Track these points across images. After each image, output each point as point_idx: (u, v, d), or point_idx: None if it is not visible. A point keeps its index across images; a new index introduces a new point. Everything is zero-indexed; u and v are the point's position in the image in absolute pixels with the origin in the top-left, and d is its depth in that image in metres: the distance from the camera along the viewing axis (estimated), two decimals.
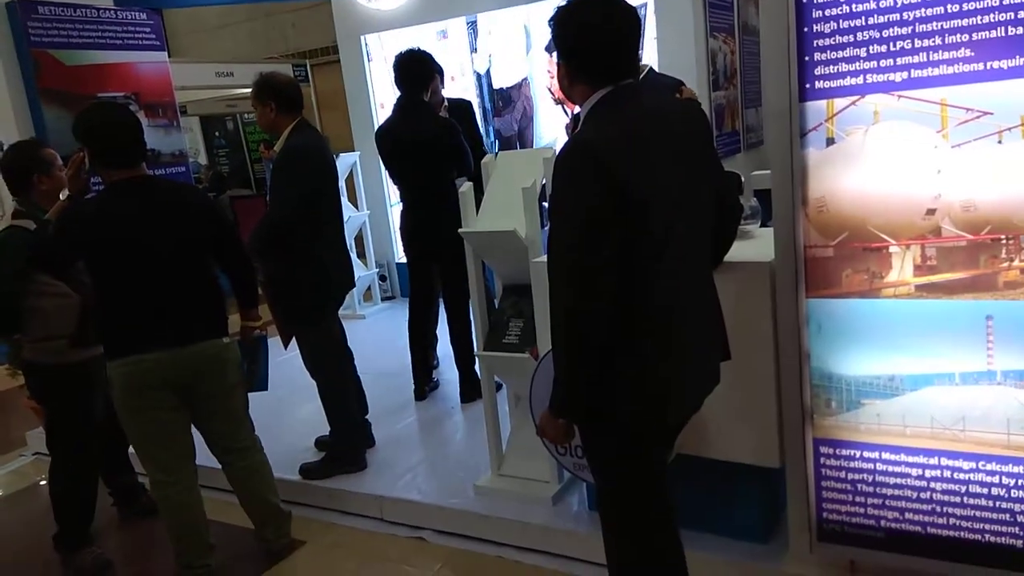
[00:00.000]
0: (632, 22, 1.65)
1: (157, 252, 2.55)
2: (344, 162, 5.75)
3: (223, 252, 2.78)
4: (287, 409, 4.23)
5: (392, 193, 6.13)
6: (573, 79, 1.68)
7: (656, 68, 4.14)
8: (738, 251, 2.11)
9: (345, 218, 3.73)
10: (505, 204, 2.85)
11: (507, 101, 5.88)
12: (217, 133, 11.84)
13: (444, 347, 4.23)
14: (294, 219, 3.05)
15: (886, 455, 2.08)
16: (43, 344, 2.87)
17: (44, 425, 3.05)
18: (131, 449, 3.37)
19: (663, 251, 1.63)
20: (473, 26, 5.73)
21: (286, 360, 4.42)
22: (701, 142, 1.77)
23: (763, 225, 2.60)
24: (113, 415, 3.18)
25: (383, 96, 6.13)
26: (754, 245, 2.40)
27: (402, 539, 2.98)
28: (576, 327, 1.59)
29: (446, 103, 4.28)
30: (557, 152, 2.86)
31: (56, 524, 3.05)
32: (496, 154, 3.11)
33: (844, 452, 2.15)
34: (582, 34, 1.64)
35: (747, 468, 2.37)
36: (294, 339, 3.29)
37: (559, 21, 1.67)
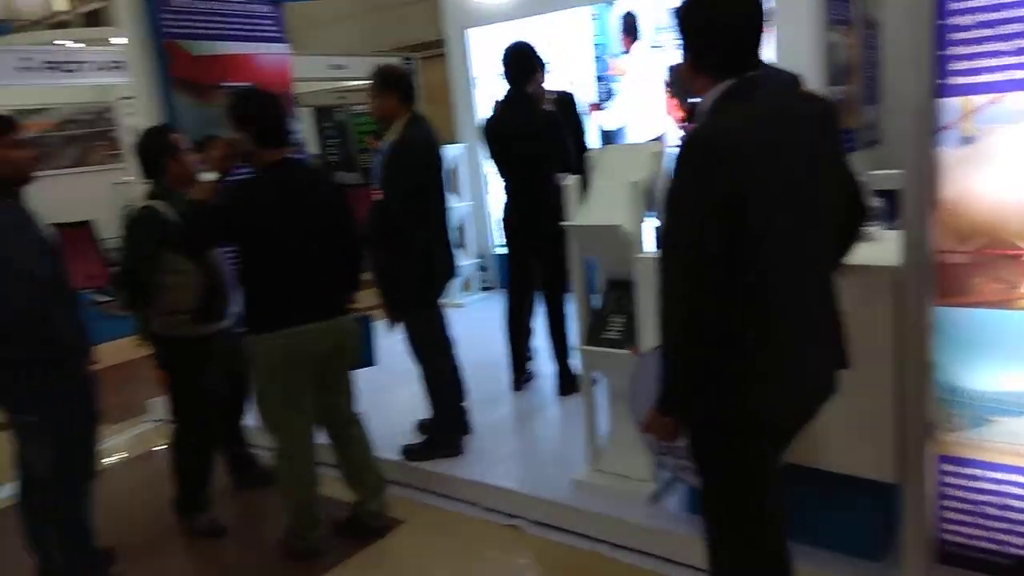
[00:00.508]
0: (758, 12, 1.61)
1: (309, 230, 2.72)
2: (447, 154, 5.85)
3: (343, 235, 2.90)
4: (389, 391, 4.35)
5: (493, 185, 6.20)
6: (696, 70, 1.65)
7: (772, 62, 4.00)
8: (860, 254, 2.00)
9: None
10: (610, 198, 2.83)
11: (609, 95, 5.83)
12: (327, 124, 12.28)
13: (540, 339, 4.24)
14: (405, 210, 3.13)
15: (1016, 477, 1.95)
16: (168, 318, 3.06)
17: (168, 395, 3.25)
18: (248, 421, 3.58)
19: (781, 249, 1.58)
20: (592, 16, 5.72)
21: (390, 344, 4.56)
22: (829, 137, 1.70)
23: (886, 227, 2.47)
24: (233, 387, 3.39)
25: (487, 89, 6.19)
26: (876, 248, 2.28)
27: (497, 526, 3.02)
28: (687, 324, 1.56)
29: (551, 96, 4.28)
30: (666, 146, 2.86)
31: (176, 488, 3.26)
32: (603, 147, 3.08)
33: (968, 471, 2.03)
34: (709, 24, 1.61)
35: (860, 481, 2.27)
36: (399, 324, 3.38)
37: (685, 10, 1.64)
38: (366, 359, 3.19)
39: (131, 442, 4.40)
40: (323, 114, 12.28)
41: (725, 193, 1.50)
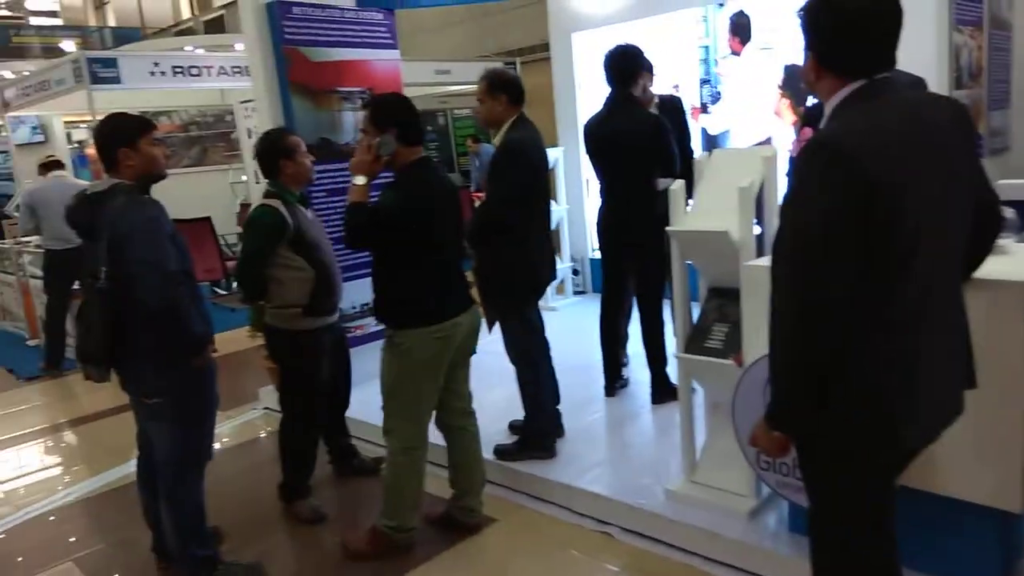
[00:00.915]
0: (896, 8, 1.52)
1: (454, 224, 2.87)
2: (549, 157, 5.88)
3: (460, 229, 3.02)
4: (483, 390, 4.38)
5: (590, 188, 6.18)
6: (822, 71, 1.59)
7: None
8: (990, 267, 1.89)
9: None
10: (718, 204, 2.77)
11: (715, 98, 5.71)
12: (429, 127, 12.59)
13: (634, 345, 4.19)
14: (509, 211, 3.18)
15: None
16: (280, 311, 3.21)
17: (277, 384, 3.41)
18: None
19: (911, 261, 1.50)
20: (700, 19, 5.62)
21: (484, 344, 4.62)
22: (964, 143, 1.60)
23: (1017, 240, 2.32)
24: (339, 379, 3.52)
25: (590, 93, 6.18)
26: (1008, 261, 2.14)
27: (588, 531, 3.01)
28: (802, 336, 1.51)
29: (656, 100, 4.23)
30: (775, 151, 2.77)
31: (282, 474, 3.41)
32: (711, 151, 3.02)
33: None
34: (840, 22, 1.54)
35: (981, 509, 2.13)
36: (497, 324, 3.42)
37: (813, 7, 1.58)
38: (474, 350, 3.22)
39: (239, 429, 4.64)
40: (425, 118, 12.61)
41: (850, 199, 1.44)
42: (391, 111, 2.76)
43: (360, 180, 2.74)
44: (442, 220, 2.77)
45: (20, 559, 3.31)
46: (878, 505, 1.66)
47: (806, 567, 1.79)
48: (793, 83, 5.22)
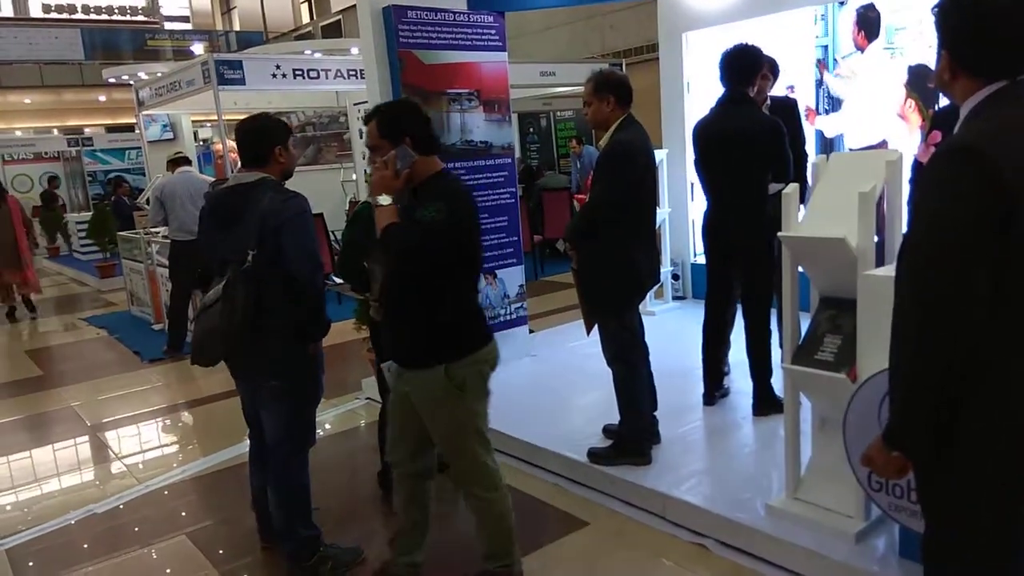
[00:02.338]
0: None
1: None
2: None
3: None
4: (578, 393, 4.40)
5: (694, 192, 6.04)
6: (958, 71, 1.49)
7: None
8: None
9: None
10: (834, 209, 2.64)
11: (830, 100, 5.47)
12: (531, 129, 12.68)
13: (736, 353, 4.07)
14: (614, 209, 3.15)
15: None
16: (377, 305, 3.30)
17: (378, 375, 3.50)
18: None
19: None
20: (817, 17, 5.41)
21: (582, 346, 4.60)
22: None
23: None
24: None
25: (697, 94, 6.05)
26: None
27: (683, 542, 2.94)
28: (928, 350, 1.41)
29: (769, 102, 4.09)
30: (900, 154, 2.62)
31: (380, 462, 3.51)
32: (830, 154, 2.89)
33: None
34: (981, 21, 1.44)
35: None
36: (596, 327, 3.39)
37: (949, 4, 1.48)
38: None
39: (342, 417, 4.81)
40: (528, 119, 12.71)
41: (988, 208, 1.34)
42: (401, 120, 2.45)
43: (385, 200, 2.38)
44: (477, 236, 2.52)
45: (137, 529, 3.54)
46: (1002, 533, 1.53)
47: None
48: (920, 83, 4.93)
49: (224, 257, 2.69)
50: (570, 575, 2.84)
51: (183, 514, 3.67)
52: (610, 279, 3.25)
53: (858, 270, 2.47)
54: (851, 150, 5.28)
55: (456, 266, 2.42)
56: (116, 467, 4.40)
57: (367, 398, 4.96)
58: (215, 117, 7.19)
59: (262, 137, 2.75)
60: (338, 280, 3.98)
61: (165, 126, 12.56)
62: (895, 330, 1.50)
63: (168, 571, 3.17)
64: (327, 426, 4.66)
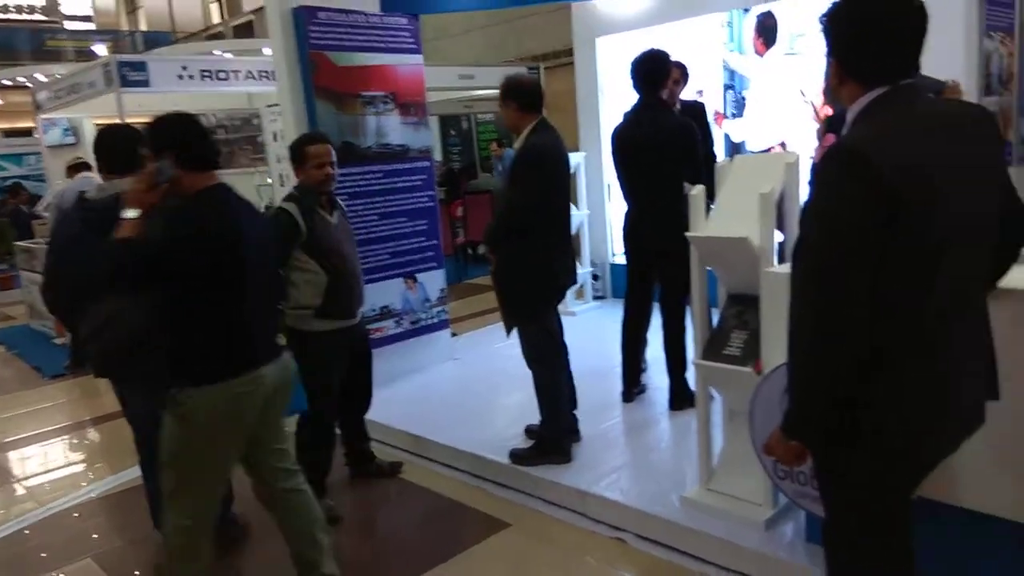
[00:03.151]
0: (921, 14, 1.50)
1: (255, 260, 2.38)
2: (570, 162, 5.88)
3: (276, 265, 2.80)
4: (501, 395, 4.42)
5: (611, 194, 6.16)
6: (844, 77, 1.57)
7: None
8: (1016, 277, 1.85)
9: None
10: (738, 210, 2.74)
11: (738, 104, 5.68)
12: (452, 131, 12.65)
13: (652, 351, 4.17)
14: (528, 213, 3.18)
15: None
16: (294, 312, 3.24)
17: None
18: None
19: (934, 270, 1.47)
20: (723, 24, 5.60)
21: (503, 348, 4.63)
22: (989, 150, 1.57)
23: None
24: (360, 382, 3.52)
25: (612, 98, 6.17)
26: None
27: (603, 538, 2.99)
28: (820, 346, 1.48)
29: (679, 105, 4.21)
30: (797, 156, 2.74)
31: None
32: (733, 157, 3.00)
33: None
34: (863, 28, 1.52)
35: (1003, 523, 2.08)
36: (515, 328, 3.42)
37: (837, 12, 1.56)
38: (296, 402, 2.81)
39: None
40: (448, 122, 12.68)
41: (872, 209, 1.41)
42: (167, 132, 2.32)
43: (131, 213, 2.20)
44: (235, 255, 2.30)
45: (43, 555, 3.36)
46: (895, 517, 1.63)
47: None
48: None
49: None
50: None
51: (93, 536, 3.50)
52: (526, 282, 3.28)
53: (760, 268, 2.57)
54: (752, 152, 5.49)
55: (196, 289, 2.26)
56: (17, 490, 4.15)
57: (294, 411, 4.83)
58: (119, 120, 6.89)
59: (135, 144, 2.67)
60: None
61: (67, 130, 11.91)
62: (791, 327, 1.57)
63: None
64: None
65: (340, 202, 3.46)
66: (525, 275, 3.27)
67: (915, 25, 1.50)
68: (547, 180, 3.20)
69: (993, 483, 2.06)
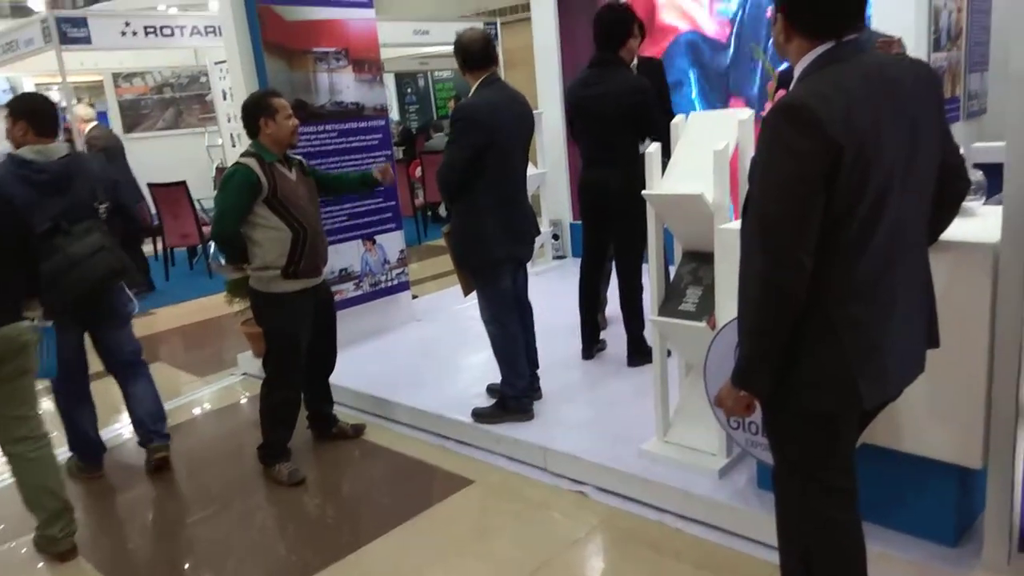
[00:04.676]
0: None
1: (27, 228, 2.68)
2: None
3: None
4: (462, 355, 4.44)
5: (572, 152, 6.15)
6: (792, 33, 1.59)
7: (870, 25, 3.80)
8: (957, 229, 1.92)
9: None
10: (693, 167, 2.77)
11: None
12: (409, 90, 12.42)
13: (612, 308, 4.23)
14: (458, 176, 3.15)
15: None
16: (259, 273, 3.20)
17: (256, 350, 3.40)
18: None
19: (875, 223, 1.52)
20: None
21: (463, 308, 4.64)
22: (931, 106, 1.61)
23: (986, 202, 2.34)
24: (324, 344, 3.51)
25: (572, 54, 6.12)
26: (975, 223, 2.17)
27: (564, 491, 3.06)
28: (769, 297, 1.53)
29: (635, 62, 4.19)
30: (751, 113, 2.76)
31: (261, 437, 3.43)
32: (688, 114, 3.01)
33: None
34: None
35: (941, 465, 2.19)
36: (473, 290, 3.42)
37: None
38: (48, 369, 2.89)
39: (219, 394, 4.63)
40: (405, 80, 12.44)
41: (815, 162, 1.45)
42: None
43: None
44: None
45: None
46: (837, 460, 1.70)
47: (773, 522, 1.85)
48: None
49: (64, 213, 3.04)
50: (458, 532, 2.89)
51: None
52: (476, 243, 3.27)
53: (714, 224, 2.60)
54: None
55: None
56: None
57: (244, 373, 4.80)
58: (60, 79, 6.61)
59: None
60: (216, 262, 3.85)
61: (6, 90, 11.44)
62: (741, 278, 1.61)
63: None
64: (206, 404, 4.49)
65: (301, 159, 3.41)
66: (473, 236, 3.26)
67: None
68: (479, 140, 3.12)
69: (934, 428, 2.15)
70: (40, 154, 3.04)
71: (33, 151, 3.04)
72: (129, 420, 3.69)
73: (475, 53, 3.20)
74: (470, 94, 3.22)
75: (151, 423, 3.57)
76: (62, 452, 3.48)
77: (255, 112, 3.19)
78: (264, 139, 3.19)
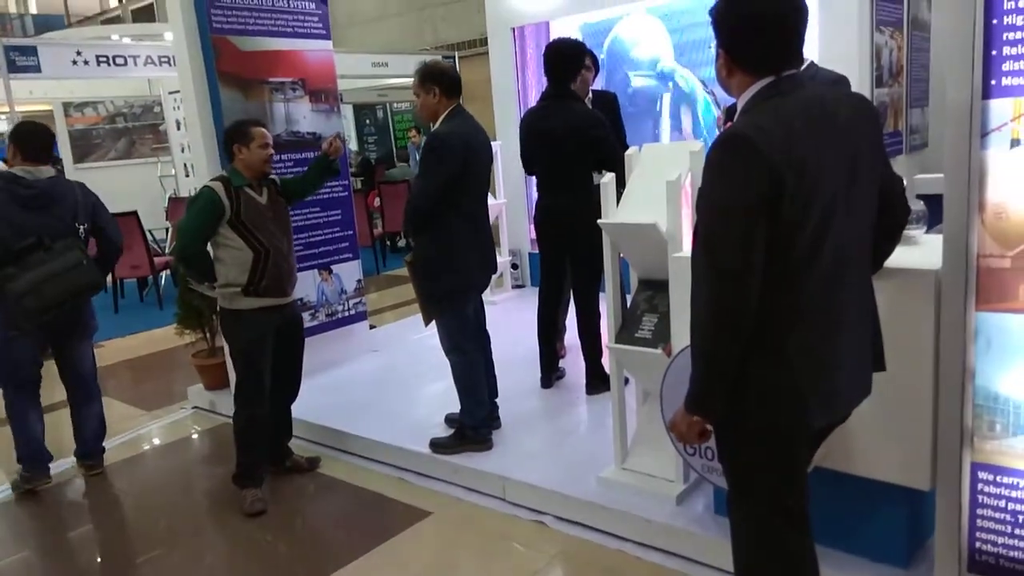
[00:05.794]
0: (798, 8, 1.60)
1: None
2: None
3: None
4: (421, 385, 4.40)
5: (530, 183, 6.20)
6: (733, 68, 1.64)
7: (816, 62, 3.94)
8: (900, 257, 1.98)
9: None
10: (647, 197, 2.81)
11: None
12: (368, 121, 12.46)
13: (571, 337, 4.24)
14: (432, 204, 3.16)
15: None
16: (223, 290, 3.23)
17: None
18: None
19: (818, 249, 1.56)
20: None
21: (423, 338, 4.61)
22: (869, 138, 1.67)
23: (928, 231, 2.43)
24: (282, 367, 3.44)
25: (528, 87, 6.21)
26: (918, 251, 2.25)
27: (523, 521, 3.03)
28: (718, 324, 1.56)
29: (590, 95, 4.27)
30: (702, 144, 2.83)
31: (236, 461, 3.35)
32: (641, 146, 3.07)
33: (1006, 480, 1.98)
34: (746, 20, 1.60)
35: (892, 488, 2.23)
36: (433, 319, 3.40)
37: (721, 8, 1.63)
38: None
39: (168, 429, 4.50)
40: (364, 111, 12.48)
41: (757, 191, 1.49)
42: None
43: None
44: None
45: None
46: (790, 483, 1.72)
47: (730, 548, 1.85)
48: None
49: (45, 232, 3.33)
50: (417, 566, 2.84)
51: None
52: (441, 272, 3.27)
53: (668, 252, 2.64)
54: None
55: None
56: None
57: (195, 407, 4.68)
58: (7, 108, 6.47)
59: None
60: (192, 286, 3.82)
61: None
62: (693, 306, 1.63)
63: None
64: (155, 440, 4.35)
65: (275, 179, 3.46)
66: (438, 266, 3.26)
67: (794, 19, 1.60)
68: (454, 169, 3.16)
69: (883, 451, 2.20)
70: (29, 173, 3.39)
71: (23, 170, 3.39)
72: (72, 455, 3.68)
73: (453, 80, 3.26)
74: (438, 123, 3.23)
75: (93, 441, 3.80)
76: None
77: (232, 138, 3.29)
78: (237, 164, 3.28)
